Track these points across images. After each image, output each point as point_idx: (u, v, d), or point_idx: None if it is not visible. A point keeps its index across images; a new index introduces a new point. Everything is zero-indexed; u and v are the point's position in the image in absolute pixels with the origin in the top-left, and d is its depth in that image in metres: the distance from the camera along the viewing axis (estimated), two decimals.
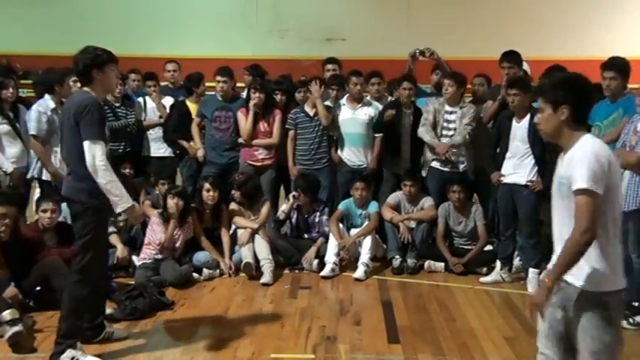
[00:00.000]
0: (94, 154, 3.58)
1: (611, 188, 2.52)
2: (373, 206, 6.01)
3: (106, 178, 3.59)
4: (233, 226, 5.94)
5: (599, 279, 2.52)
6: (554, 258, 2.62)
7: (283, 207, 6.14)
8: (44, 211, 4.88)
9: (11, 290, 4.41)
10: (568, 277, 2.56)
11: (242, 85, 7.17)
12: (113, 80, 3.93)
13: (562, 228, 2.59)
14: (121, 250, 5.40)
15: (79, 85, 5.52)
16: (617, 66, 4.92)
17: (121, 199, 3.64)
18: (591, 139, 2.63)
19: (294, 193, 6.06)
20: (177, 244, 5.54)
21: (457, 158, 5.84)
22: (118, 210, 3.67)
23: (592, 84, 2.85)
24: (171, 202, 5.46)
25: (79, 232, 3.77)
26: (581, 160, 2.51)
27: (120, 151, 6.34)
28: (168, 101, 6.81)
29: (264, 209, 5.92)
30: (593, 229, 2.47)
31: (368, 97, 6.48)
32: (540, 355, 2.74)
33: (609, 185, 2.51)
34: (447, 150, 5.76)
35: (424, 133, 5.86)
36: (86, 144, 3.59)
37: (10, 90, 5.65)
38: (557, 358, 2.68)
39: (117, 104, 6.35)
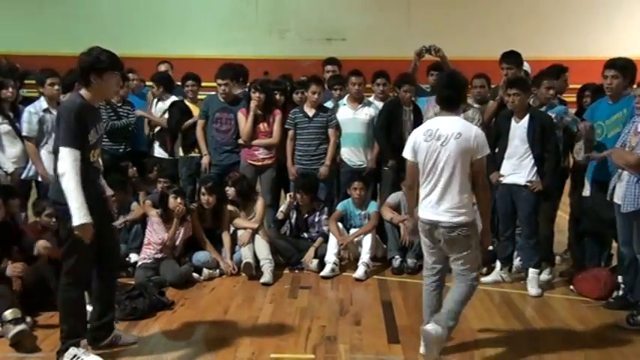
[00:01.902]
0: (64, 160, 3.50)
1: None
2: (373, 206, 6.01)
3: (69, 186, 3.48)
4: (232, 227, 5.94)
5: None
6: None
7: (282, 207, 6.15)
8: (48, 215, 4.85)
9: (42, 243, 4.54)
10: None
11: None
12: (111, 88, 3.77)
13: None
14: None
15: (56, 87, 5.54)
16: (619, 65, 4.92)
17: (78, 212, 3.47)
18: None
19: (291, 193, 6.07)
20: (177, 243, 5.55)
21: None
22: (74, 223, 3.48)
23: (444, 81, 4.05)
24: (175, 202, 5.47)
25: (63, 235, 3.71)
26: None
27: (120, 151, 6.36)
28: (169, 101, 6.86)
29: (259, 206, 5.92)
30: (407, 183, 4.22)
31: (371, 97, 6.48)
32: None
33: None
34: None
35: None
36: (60, 149, 3.53)
37: (10, 90, 5.66)
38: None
39: (119, 104, 6.36)
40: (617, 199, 4.56)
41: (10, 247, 4.61)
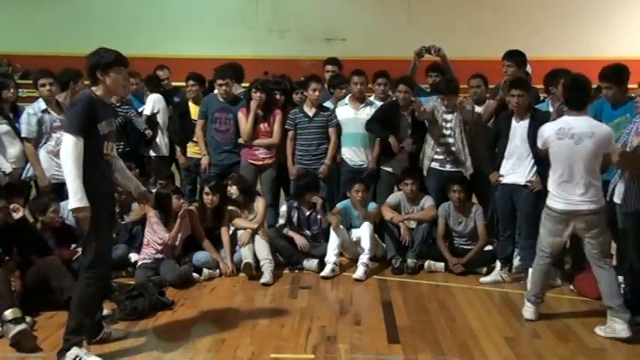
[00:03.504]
0: (68, 145, 3.62)
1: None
2: (372, 206, 6.01)
3: (68, 171, 3.61)
4: (232, 227, 5.94)
5: None
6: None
7: (281, 210, 6.12)
8: (54, 212, 4.95)
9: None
10: None
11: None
12: (118, 83, 3.87)
13: None
14: None
15: (48, 88, 5.52)
16: (609, 76, 4.93)
17: (75, 195, 3.59)
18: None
19: (286, 198, 6.13)
20: (177, 243, 5.55)
21: (464, 160, 5.87)
22: (69, 206, 3.64)
23: (569, 84, 4.45)
24: (178, 202, 5.49)
25: (85, 229, 3.78)
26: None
27: (120, 150, 6.35)
28: (152, 98, 6.87)
29: (260, 206, 5.92)
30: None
31: (372, 97, 6.48)
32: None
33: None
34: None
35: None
36: (65, 135, 3.67)
37: (11, 90, 5.67)
38: None
39: (117, 104, 6.35)
40: (616, 199, 4.57)
41: (11, 246, 4.61)
